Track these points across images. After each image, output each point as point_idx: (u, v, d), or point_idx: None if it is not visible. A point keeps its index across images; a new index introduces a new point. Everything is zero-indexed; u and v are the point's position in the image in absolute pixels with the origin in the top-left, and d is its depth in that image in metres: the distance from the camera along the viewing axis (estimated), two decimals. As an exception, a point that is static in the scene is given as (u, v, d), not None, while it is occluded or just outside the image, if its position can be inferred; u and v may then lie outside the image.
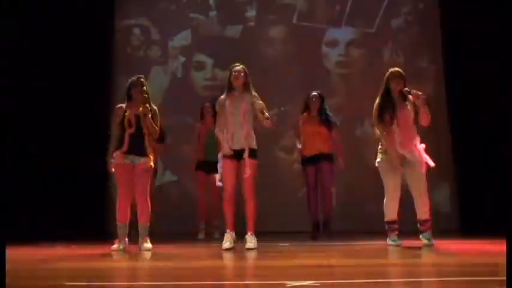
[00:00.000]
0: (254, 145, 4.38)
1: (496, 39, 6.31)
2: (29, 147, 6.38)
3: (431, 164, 4.37)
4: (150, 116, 4.34)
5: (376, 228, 5.10)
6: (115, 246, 4.31)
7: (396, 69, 4.50)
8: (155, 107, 4.49)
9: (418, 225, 4.41)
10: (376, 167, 4.53)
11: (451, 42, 6.91)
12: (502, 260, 3.20)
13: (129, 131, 4.31)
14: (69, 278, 2.89)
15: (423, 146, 4.42)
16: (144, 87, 4.43)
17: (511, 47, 5.21)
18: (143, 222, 4.39)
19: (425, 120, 4.33)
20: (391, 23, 7.50)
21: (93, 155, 6.65)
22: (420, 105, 4.28)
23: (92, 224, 6.47)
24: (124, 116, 4.34)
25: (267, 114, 4.26)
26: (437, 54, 7.18)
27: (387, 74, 4.47)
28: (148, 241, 4.39)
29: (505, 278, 2.30)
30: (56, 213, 6.27)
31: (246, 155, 4.29)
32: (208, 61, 7.53)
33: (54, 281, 2.81)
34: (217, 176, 4.64)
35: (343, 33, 7.49)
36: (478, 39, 6.53)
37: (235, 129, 4.34)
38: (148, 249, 4.30)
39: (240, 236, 4.46)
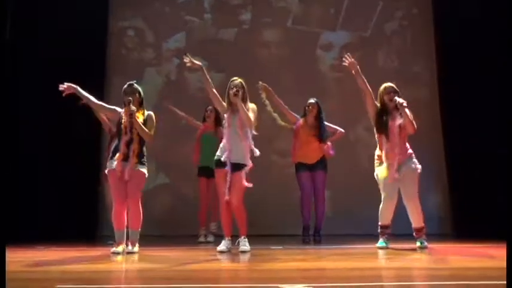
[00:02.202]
0: (247, 161, 4.41)
1: (490, 44, 6.36)
2: (24, 148, 6.35)
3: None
4: (136, 117, 4.29)
5: (368, 232, 5.12)
6: (115, 248, 4.29)
7: (389, 84, 4.59)
8: (151, 113, 4.46)
9: (414, 232, 4.52)
10: (374, 174, 4.60)
11: (445, 46, 6.93)
12: (496, 263, 3.22)
13: (125, 137, 4.30)
14: (61, 280, 2.87)
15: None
16: (136, 94, 4.42)
17: (507, 52, 5.27)
18: (134, 228, 4.37)
19: (409, 128, 4.41)
20: (385, 27, 7.52)
21: (86, 157, 6.65)
22: (402, 112, 4.37)
23: (84, 226, 6.43)
24: (120, 122, 4.34)
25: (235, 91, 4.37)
26: (432, 58, 7.20)
27: (381, 88, 4.58)
28: (136, 246, 4.36)
29: (498, 282, 2.31)
30: (48, 215, 6.24)
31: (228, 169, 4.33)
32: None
33: (46, 284, 2.80)
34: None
35: (338, 37, 7.50)
36: (473, 43, 6.57)
37: (232, 142, 4.38)
38: (133, 252, 4.27)
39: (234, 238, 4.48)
